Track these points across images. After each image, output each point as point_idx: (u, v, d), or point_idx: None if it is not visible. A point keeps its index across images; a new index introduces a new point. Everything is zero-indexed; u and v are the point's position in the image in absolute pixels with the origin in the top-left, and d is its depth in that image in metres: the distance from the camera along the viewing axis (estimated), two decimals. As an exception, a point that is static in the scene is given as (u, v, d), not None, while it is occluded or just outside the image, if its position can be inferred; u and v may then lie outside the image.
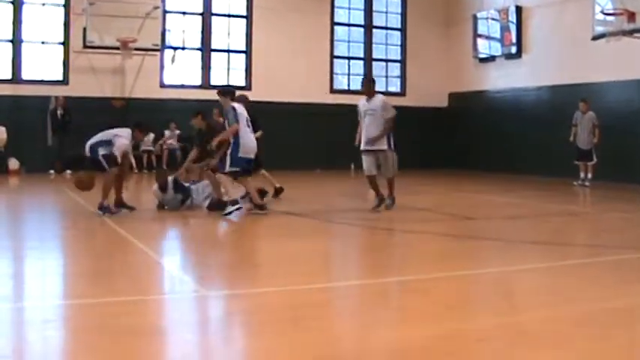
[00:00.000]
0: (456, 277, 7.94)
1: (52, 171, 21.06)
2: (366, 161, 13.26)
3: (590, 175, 19.58)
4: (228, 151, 12.29)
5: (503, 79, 25.37)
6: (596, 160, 19.50)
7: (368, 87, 13.57)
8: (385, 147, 13.17)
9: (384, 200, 13.27)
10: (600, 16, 19.63)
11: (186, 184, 13.27)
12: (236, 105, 12.65)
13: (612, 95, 20.78)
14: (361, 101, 13.57)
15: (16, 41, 22.46)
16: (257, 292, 7.16)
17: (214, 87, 24.50)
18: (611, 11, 19.11)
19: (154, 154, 23.41)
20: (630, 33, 18.58)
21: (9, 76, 22.26)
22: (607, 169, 19.63)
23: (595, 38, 19.70)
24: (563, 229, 12.48)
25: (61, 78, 22.83)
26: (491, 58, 26.09)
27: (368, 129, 13.21)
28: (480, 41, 26.61)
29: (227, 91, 13.11)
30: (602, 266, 8.57)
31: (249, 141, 12.50)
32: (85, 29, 22.09)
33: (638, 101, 20.02)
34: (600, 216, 14.51)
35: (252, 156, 12.71)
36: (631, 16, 18.34)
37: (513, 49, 24.91)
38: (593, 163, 19.55)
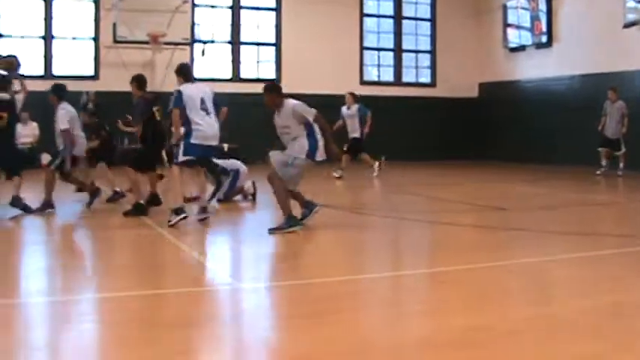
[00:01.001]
0: (488, 267, 7.92)
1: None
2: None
3: (621, 165, 19.45)
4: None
5: (534, 68, 25.21)
6: (624, 150, 19.38)
7: (270, 99, 10.39)
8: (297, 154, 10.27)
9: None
10: (631, 4, 19.48)
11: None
12: (185, 86, 11.13)
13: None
14: (275, 115, 10.51)
15: (48, 37, 22.63)
16: (296, 284, 7.18)
17: (244, 80, 24.69)
18: (643, -2, 18.96)
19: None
20: (662, 20, 18.43)
21: (41, 72, 22.41)
22: (638, 158, 19.46)
23: (626, 26, 19.53)
24: (596, 219, 12.40)
25: (92, 73, 22.98)
26: (522, 48, 25.92)
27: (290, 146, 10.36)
28: (510, 31, 26.45)
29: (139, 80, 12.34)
30: (638, 256, 8.51)
31: (205, 126, 10.83)
32: (114, 24, 22.20)
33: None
34: (634, 205, 14.39)
35: (213, 143, 11.11)
36: (663, 3, 18.20)
37: (544, 39, 24.73)
38: (623, 153, 19.43)
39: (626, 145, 19.37)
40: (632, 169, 19.26)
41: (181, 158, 10.78)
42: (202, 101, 10.93)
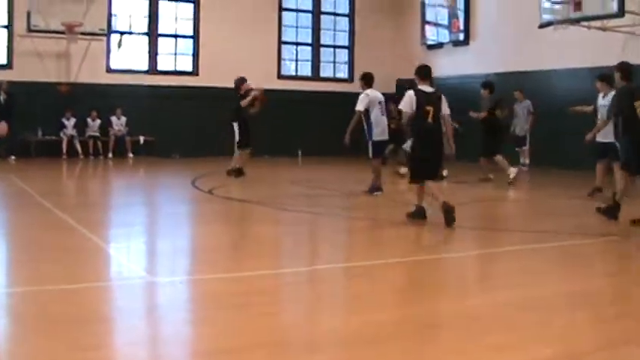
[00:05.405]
0: (405, 262, 7.97)
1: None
2: None
3: (527, 160, 20.39)
4: None
5: (451, 65, 25.39)
6: (528, 146, 20.37)
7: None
8: None
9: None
10: (547, 5, 19.78)
11: None
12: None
13: (558, 83, 20.96)
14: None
15: (-41, 24, 22.10)
16: (205, 279, 7.12)
17: (161, 72, 24.44)
18: (557, 0, 19.27)
19: (100, 140, 23.07)
20: (576, 21, 18.75)
21: (-49, 61, 21.92)
22: (552, 156, 19.88)
23: (542, 26, 19.85)
24: (508, 215, 12.58)
25: (4, 62, 22.48)
26: (439, 45, 26.18)
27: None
28: (427, 28, 26.69)
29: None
30: (545, 252, 8.65)
31: None
32: (29, 12, 21.74)
33: (584, 90, 20.15)
34: (545, 201, 14.60)
35: None
36: (577, 4, 18.49)
37: (461, 36, 25.05)
38: (527, 148, 20.44)
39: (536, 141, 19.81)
40: (541, 165, 19.62)
41: None
42: None
